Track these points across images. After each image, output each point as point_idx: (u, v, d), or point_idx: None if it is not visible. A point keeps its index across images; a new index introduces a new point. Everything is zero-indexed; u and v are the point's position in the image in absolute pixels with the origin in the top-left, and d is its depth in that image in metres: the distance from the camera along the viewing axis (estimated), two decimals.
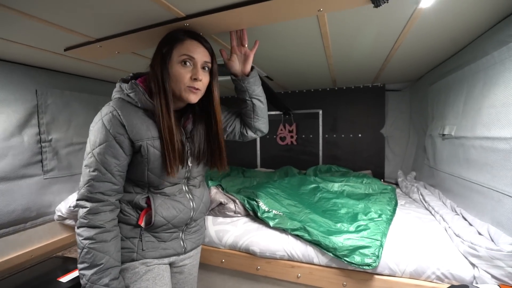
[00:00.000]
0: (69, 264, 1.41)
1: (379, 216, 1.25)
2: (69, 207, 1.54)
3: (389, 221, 1.22)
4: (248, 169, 2.58)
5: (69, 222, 1.63)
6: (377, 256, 1.00)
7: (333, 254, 1.05)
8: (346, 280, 1.07)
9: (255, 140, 2.80)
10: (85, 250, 0.74)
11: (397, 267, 1.01)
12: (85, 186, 0.76)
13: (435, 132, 1.63)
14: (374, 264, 0.98)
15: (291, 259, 1.15)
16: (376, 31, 1.13)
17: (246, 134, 1.08)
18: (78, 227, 0.77)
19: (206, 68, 0.86)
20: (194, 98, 0.84)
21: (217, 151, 0.95)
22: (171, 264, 0.96)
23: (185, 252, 0.97)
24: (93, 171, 0.76)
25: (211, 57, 0.87)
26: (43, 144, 1.57)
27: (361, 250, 1.02)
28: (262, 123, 1.08)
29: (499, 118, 1.01)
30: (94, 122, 0.79)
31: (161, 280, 0.88)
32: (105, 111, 0.78)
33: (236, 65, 0.99)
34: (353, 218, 1.27)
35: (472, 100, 1.21)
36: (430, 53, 1.44)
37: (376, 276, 1.04)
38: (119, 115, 0.77)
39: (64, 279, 1.26)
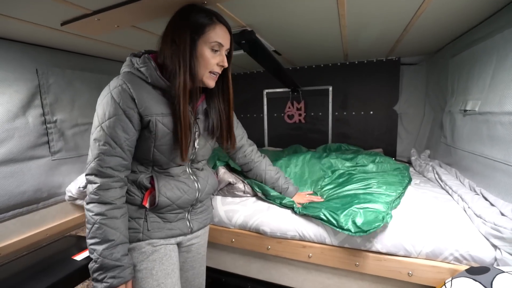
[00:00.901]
0: (82, 242, 1.44)
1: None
2: (79, 187, 1.55)
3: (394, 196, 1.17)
4: None
5: (80, 202, 1.64)
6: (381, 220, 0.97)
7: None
8: (359, 260, 1.05)
9: (262, 118, 2.74)
10: (96, 225, 0.74)
11: (412, 248, 0.98)
12: (95, 160, 0.75)
13: (455, 108, 1.53)
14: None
15: (302, 239, 1.14)
16: None
17: (234, 160, 1.27)
18: (88, 203, 0.76)
19: (226, 54, 0.87)
20: (213, 84, 0.86)
21: (228, 129, 0.98)
22: (178, 244, 0.96)
23: (191, 232, 0.97)
24: (103, 144, 0.74)
25: (231, 42, 0.88)
26: (48, 125, 1.54)
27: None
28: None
29: None
30: (102, 96, 0.77)
31: (169, 260, 0.89)
32: (114, 84, 0.76)
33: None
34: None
35: (503, 72, 1.11)
36: (457, 20, 1.30)
37: (390, 257, 1.01)
38: (129, 88, 0.75)
39: (79, 257, 1.29)
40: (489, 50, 1.22)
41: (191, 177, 0.93)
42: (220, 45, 0.82)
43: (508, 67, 1.07)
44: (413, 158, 1.97)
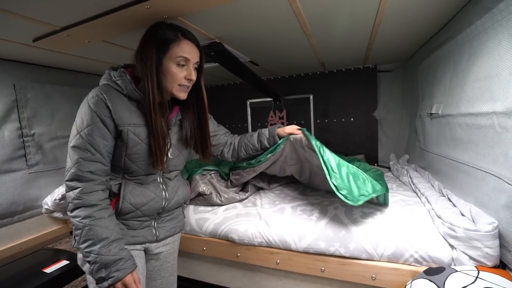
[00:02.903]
0: (57, 255, 1.43)
1: None
2: (55, 200, 1.55)
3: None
4: None
5: (57, 214, 1.64)
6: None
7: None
8: (324, 265, 1.05)
9: (246, 128, 2.77)
10: (86, 228, 0.74)
11: (374, 251, 0.98)
12: (75, 166, 0.76)
13: (424, 112, 1.57)
14: None
15: (269, 245, 1.13)
16: (350, 5, 1.06)
17: (224, 155, 1.27)
18: (73, 209, 0.76)
19: (196, 67, 0.91)
20: (183, 96, 0.90)
21: (204, 140, 1.01)
22: (146, 251, 0.97)
23: (157, 240, 0.97)
24: (83, 150, 0.77)
25: (200, 56, 0.92)
26: (25, 139, 1.56)
27: None
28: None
29: (482, 92, 0.95)
30: (81, 106, 0.81)
31: None
32: (92, 94, 0.80)
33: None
34: None
35: (458, 75, 1.15)
36: (416, 28, 1.35)
37: (354, 261, 1.01)
38: (105, 98, 0.79)
39: (49, 269, 1.28)
40: (447, 55, 1.26)
41: (160, 186, 0.94)
42: (186, 59, 0.86)
43: (462, 70, 1.11)
44: (391, 163, 1.99)
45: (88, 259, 0.75)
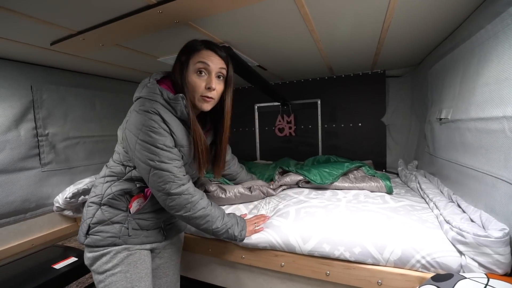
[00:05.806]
0: (67, 252, 1.46)
1: None
2: (65, 198, 1.59)
3: None
4: (247, 161, 2.56)
5: (67, 213, 1.68)
6: None
7: None
8: (329, 269, 1.04)
9: (254, 132, 2.79)
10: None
11: (380, 256, 0.96)
12: (174, 178, 0.83)
13: (433, 117, 1.55)
14: None
15: (273, 248, 1.13)
16: (358, 11, 1.07)
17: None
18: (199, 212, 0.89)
19: (221, 77, 0.90)
20: (207, 107, 0.89)
21: (220, 157, 1.03)
22: (152, 250, 0.99)
23: (165, 240, 1.00)
24: (171, 161, 0.83)
25: (226, 65, 0.90)
26: (39, 138, 1.62)
27: None
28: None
29: (492, 97, 0.94)
30: (142, 123, 0.79)
31: (142, 264, 0.92)
32: (148, 115, 0.80)
33: None
34: None
35: (467, 80, 1.13)
36: (425, 34, 1.35)
37: (359, 265, 1.00)
38: (164, 120, 0.83)
39: (58, 265, 1.31)
40: (456, 60, 1.25)
41: None
42: (206, 65, 0.85)
43: (471, 75, 1.10)
44: (399, 169, 1.95)
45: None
